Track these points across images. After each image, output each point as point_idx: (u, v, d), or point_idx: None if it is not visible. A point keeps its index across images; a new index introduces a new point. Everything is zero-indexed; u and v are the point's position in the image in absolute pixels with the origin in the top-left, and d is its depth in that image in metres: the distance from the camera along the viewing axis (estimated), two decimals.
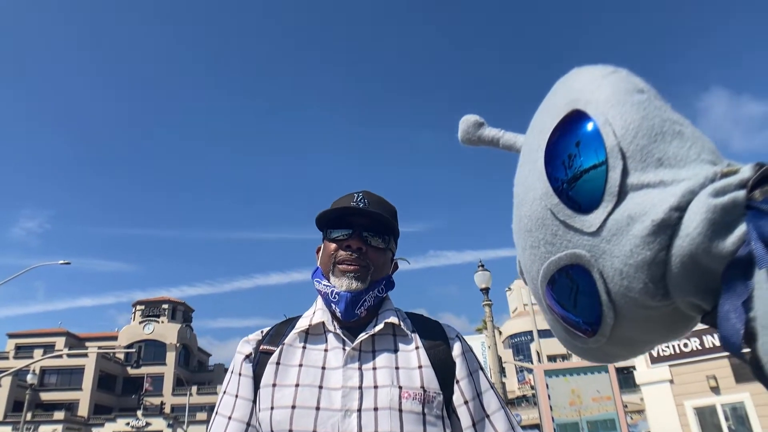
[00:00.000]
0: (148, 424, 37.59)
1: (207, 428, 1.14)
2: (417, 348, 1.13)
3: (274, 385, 1.07)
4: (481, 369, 1.18)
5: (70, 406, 39.09)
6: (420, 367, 1.10)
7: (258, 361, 1.14)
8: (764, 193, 0.42)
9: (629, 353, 0.58)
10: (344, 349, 1.10)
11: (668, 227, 0.45)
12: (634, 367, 12.28)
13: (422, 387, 1.06)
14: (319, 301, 1.20)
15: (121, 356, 44.81)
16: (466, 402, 1.10)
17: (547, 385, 15.19)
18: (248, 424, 1.09)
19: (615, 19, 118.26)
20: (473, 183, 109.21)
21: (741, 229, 0.42)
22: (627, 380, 22.09)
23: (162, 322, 46.52)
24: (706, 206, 0.43)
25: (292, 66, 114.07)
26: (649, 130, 0.49)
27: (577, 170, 0.50)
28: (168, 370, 44.65)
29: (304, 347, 1.13)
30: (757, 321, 0.40)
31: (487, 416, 1.11)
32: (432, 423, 1.04)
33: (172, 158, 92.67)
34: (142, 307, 47.75)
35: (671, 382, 10.81)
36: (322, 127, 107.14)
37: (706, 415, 10.27)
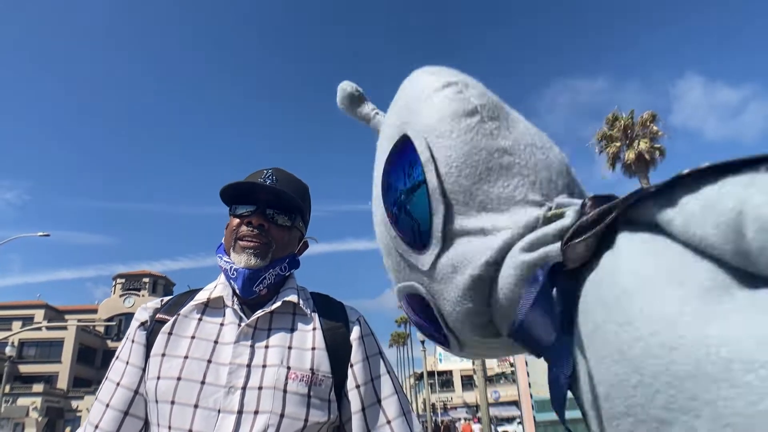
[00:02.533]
0: None
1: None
2: (314, 329, 1.11)
3: (163, 355, 1.05)
4: (381, 354, 1.16)
5: (49, 379, 38.77)
6: (313, 348, 1.08)
7: (152, 329, 1.12)
8: (577, 255, 0.38)
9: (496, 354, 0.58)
10: (239, 325, 1.08)
11: (486, 280, 0.44)
12: None
13: (311, 369, 1.04)
14: (222, 276, 1.17)
15: (101, 329, 44.47)
16: (357, 386, 1.09)
17: (526, 363, 15.40)
18: (136, 392, 1.07)
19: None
20: None
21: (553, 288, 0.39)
22: None
23: (142, 295, 46.11)
24: (515, 263, 0.40)
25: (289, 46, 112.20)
26: (474, 167, 0.45)
27: (415, 181, 0.48)
28: None
29: (200, 319, 1.10)
30: (582, 399, 0.38)
31: (379, 401, 1.09)
32: (317, 405, 1.02)
33: (157, 131, 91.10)
34: (123, 280, 47.27)
35: None
36: (302, 108, 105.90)
37: None
